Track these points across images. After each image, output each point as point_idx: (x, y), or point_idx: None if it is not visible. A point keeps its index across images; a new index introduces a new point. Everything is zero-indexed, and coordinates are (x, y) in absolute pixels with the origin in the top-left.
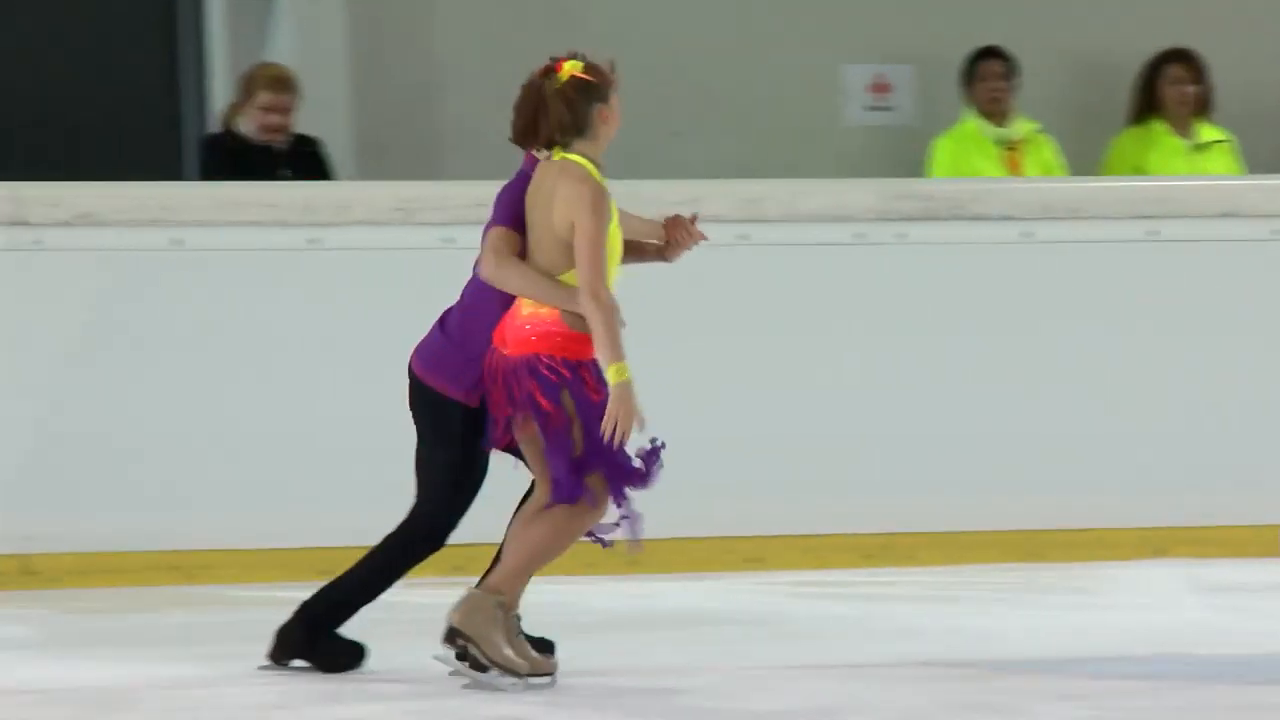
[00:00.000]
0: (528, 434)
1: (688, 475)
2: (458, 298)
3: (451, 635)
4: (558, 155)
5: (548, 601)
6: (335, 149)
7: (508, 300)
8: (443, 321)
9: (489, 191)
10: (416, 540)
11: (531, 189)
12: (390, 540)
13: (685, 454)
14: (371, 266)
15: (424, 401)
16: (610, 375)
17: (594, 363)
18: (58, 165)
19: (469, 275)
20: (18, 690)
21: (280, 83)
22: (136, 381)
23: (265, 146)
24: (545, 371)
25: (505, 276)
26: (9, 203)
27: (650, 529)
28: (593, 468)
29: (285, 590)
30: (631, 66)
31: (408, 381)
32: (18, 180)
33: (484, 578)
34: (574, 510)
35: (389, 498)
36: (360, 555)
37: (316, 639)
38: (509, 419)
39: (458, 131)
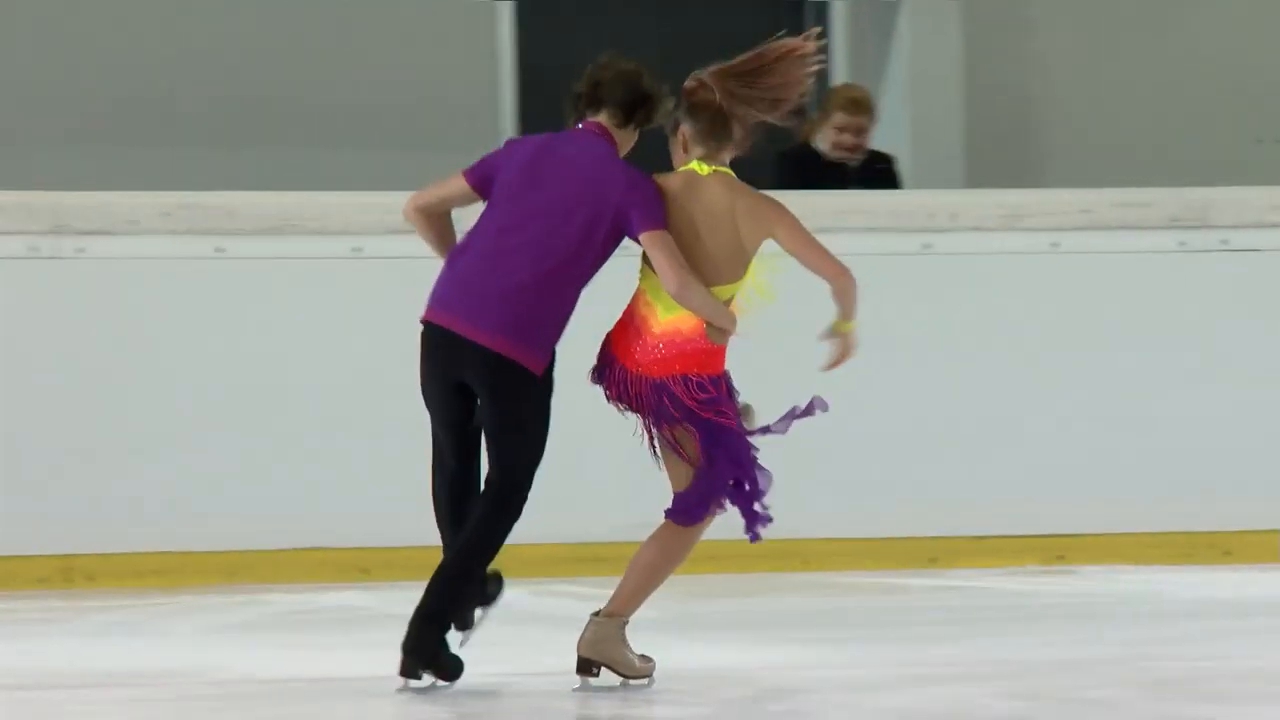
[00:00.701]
0: (678, 449)
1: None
2: (509, 265)
3: (585, 665)
4: (706, 169)
5: (1139, 591)
6: (948, 157)
7: (578, 285)
8: (513, 292)
9: (1094, 199)
10: (512, 503)
11: (691, 200)
12: (484, 515)
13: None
14: (979, 270)
15: (514, 379)
16: (847, 328)
17: (727, 373)
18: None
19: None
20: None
21: (856, 105)
22: (753, 376)
23: (839, 163)
24: (698, 391)
25: (691, 297)
26: None
27: (1241, 522)
28: (731, 477)
29: (893, 577)
30: (1219, 69)
31: (462, 356)
32: None
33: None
34: (685, 531)
35: (989, 491)
36: (954, 543)
37: (441, 639)
38: (657, 436)
39: (1063, 140)
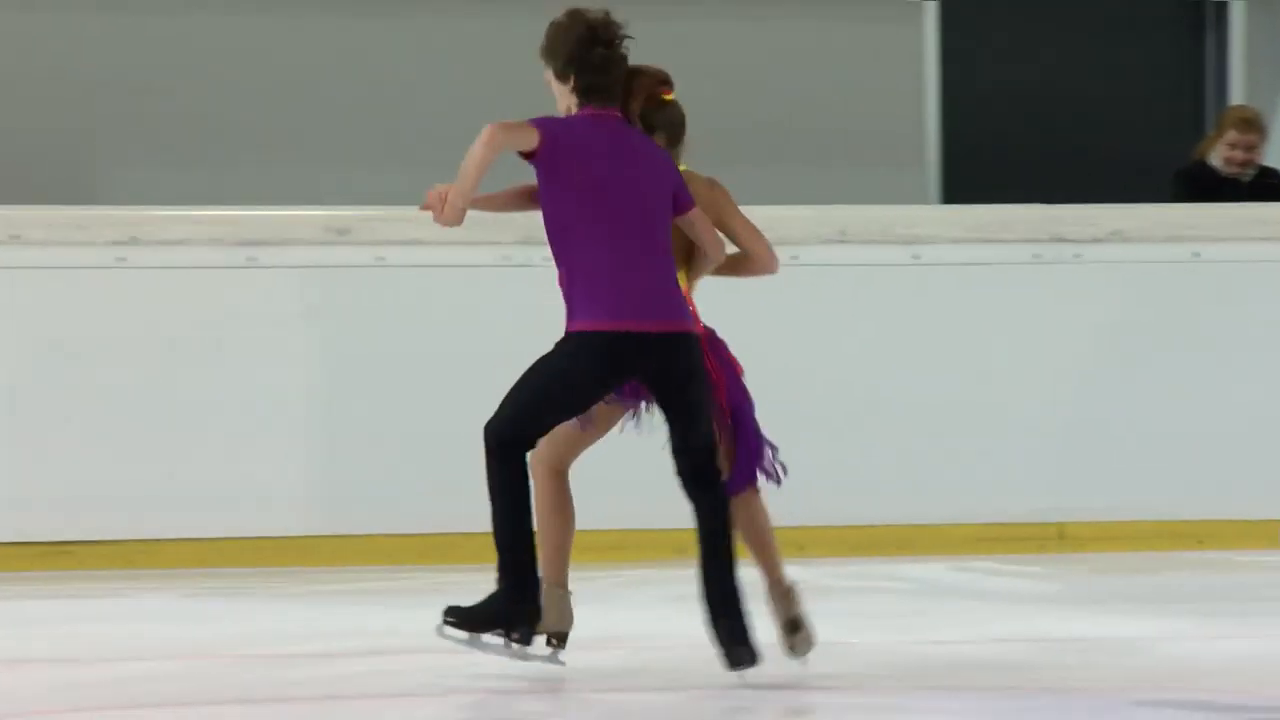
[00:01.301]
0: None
1: None
2: (646, 259)
3: (797, 624)
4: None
5: None
6: None
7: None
8: (658, 281)
9: None
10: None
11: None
12: (721, 499)
13: None
14: None
15: (699, 359)
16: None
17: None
18: (1095, 189)
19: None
20: (1060, 639)
21: (1247, 124)
22: (1155, 374)
23: (1232, 179)
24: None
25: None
26: (1049, 222)
27: None
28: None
29: (1276, 556)
30: None
31: (659, 351)
32: (1057, 203)
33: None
34: (753, 495)
35: None
36: None
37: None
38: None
39: None
